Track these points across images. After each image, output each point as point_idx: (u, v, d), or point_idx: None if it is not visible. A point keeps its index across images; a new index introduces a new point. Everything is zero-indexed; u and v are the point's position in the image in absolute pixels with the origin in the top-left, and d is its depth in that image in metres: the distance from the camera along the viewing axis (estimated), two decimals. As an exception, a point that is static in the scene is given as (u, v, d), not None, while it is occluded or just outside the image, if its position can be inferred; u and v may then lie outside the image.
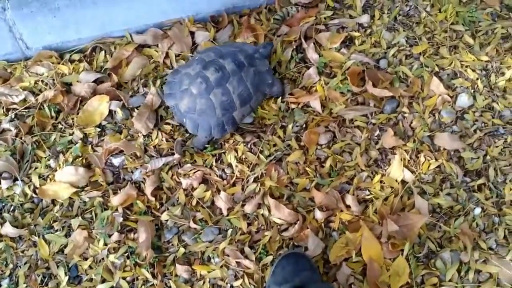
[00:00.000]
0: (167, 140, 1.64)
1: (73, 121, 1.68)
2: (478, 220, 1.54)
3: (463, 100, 1.66)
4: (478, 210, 1.55)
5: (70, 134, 1.66)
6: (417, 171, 1.59)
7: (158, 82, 1.71)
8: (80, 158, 1.63)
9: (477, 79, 1.69)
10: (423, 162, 1.60)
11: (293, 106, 1.69)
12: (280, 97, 1.69)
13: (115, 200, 1.55)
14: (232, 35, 1.79)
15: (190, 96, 1.55)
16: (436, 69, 1.71)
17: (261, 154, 1.63)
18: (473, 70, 1.71)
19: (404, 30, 1.77)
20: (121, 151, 1.63)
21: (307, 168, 1.60)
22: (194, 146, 1.63)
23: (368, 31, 1.79)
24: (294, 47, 1.76)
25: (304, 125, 1.67)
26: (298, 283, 1.35)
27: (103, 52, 1.76)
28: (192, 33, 1.79)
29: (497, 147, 1.61)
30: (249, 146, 1.64)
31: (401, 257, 1.47)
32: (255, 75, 1.59)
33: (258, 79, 1.61)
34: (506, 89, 1.68)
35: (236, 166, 1.61)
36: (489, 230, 1.54)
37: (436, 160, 1.59)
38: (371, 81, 1.67)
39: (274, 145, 1.65)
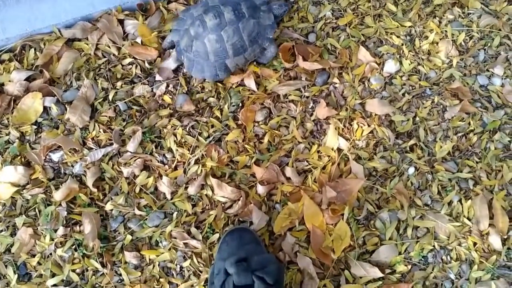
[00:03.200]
0: (104, 131, 1.64)
1: (8, 121, 1.66)
2: (412, 179, 1.61)
3: (390, 66, 1.72)
4: (411, 170, 1.62)
5: (7, 134, 1.65)
6: (351, 138, 1.65)
7: (91, 74, 1.71)
8: (19, 157, 1.62)
9: (402, 44, 1.75)
10: (357, 129, 1.65)
11: (228, 86, 1.71)
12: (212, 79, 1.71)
13: (57, 195, 1.56)
14: (162, 21, 1.80)
15: (189, 36, 1.62)
16: (362, 38, 1.77)
17: (200, 136, 1.65)
18: (398, 36, 1.77)
19: (329, 3, 1.81)
20: (60, 147, 1.62)
21: (246, 146, 1.64)
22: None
23: (295, 7, 1.82)
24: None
25: (240, 104, 1.70)
26: (243, 255, 1.38)
27: (32, 49, 1.75)
28: (121, 22, 1.79)
29: (425, 108, 1.68)
30: (187, 129, 1.66)
31: (342, 221, 1.53)
32: (254, 27, 1.63)
33: (257, 32, 1.65)
34: (430, 52, 1.75)
35: (176, 150, 1.63)
36: (423, 187, 1.61)
37: (369, 126, 1.65)
38: (302, 55, 1.71)
39: (212, 126, 1.67)
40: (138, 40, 1.77)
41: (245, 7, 1.64)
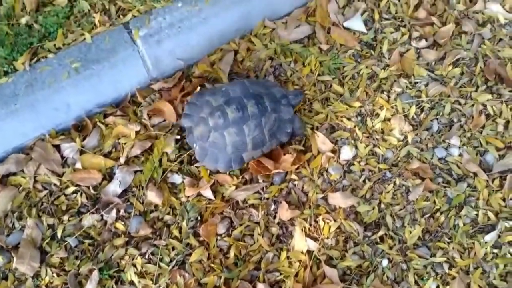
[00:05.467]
0: (58, 275, 1.53)
1: (-50, 281, 1.51)
2: (388, 272, 1.56)
3: (346, 152, 1.67)
4: (385, 262, 1.57)
5: (-50, 297, 1.50)
6: (319, 237, 1.58)
7: (34, 211, 1.58)
8: (-32, 322, 1.48)
9: (355, 126, 1.70)
10: (323, 226, 1.59)
11: (183, 199, 1.61)
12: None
13: None
14: (102, 138, 1.68)
15: (206, 125, 1.53)
16: (317, 124, 1.70)
17: (162, 262, 1.56)
18: (349, 119, 1.71)
19: (274, 94, 1.73)
20: (11, 303, 1.49)
21: (212, 265, 1.56)
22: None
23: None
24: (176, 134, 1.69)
25: (198, 218, 1.61)
26: None
27: (-36, 193, 1.59)
28: (57, 147, 1.66)
29: (388, 192, 1.63)
30: (147, 256, 1.57)
31: (325, 334, 1.46)
32: (275, 122, 1.57)
33: (277, 127, 1.58)
34: (383, 131, 1.70)
35: (139, 281, 1.54)
36: (400, 279, 1.57)
37: (335, 221, 1.59)
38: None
39: (173, 248, 1.58)
40: (79, 164, 1.63)
41: (267, 101, 1.57)
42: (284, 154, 1.67)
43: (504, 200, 1.63)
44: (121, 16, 1.73)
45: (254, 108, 1.53)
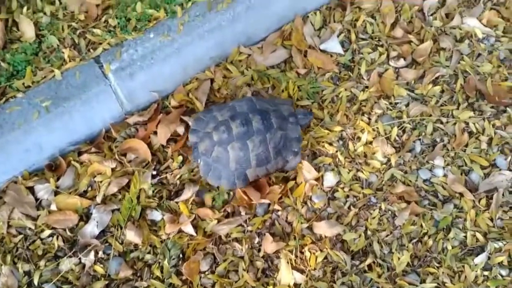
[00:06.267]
0: (38, 324, 1.45)
1: None
2: (377, 303, 1.51)
3: (329, 178, 1.63)
4: (374, 292, 1.52)
5: None
6: (306, 268, 1.54)
7: (8, 258, 1.52)
8: None
9: (337, 151, 1.66)
10: (310, 257, 1.55)
11: (163, 237, 1.56)
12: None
13: None
14: (77, 177, 1.62)
15: (210, 140, 1.50)
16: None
17: (144, 306, 1.49)
18: (330, 144, 1.67)
19: (253, 122, 1.69)
20: None
21: (196, 305, 1.49)
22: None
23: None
24: (153, 169, 1.64)
25: (180, 255, 1.55)
26: None
27: None
28: (31, 189, 1.60)
29: (373, 218, 1.60)
30: (128, 301, 1.50)
31: None
32: (281, 139, 1.53)
33: (283, 145, 1.54)
34: (366, 154, 1.67)
35: (121, 326, 1.46)
36: (390, 309, 1.52)
37: (321, 251, 1.55)
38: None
39: (155, 289, 1.51)
40: (54, 206, 1.57)
41: (274, 118, 1.54)
42: (270, 185, 1.61)
43: (491, 220, 1.60)
44: (91, 50, 1.67)
45: (259, 124, 1.50)
